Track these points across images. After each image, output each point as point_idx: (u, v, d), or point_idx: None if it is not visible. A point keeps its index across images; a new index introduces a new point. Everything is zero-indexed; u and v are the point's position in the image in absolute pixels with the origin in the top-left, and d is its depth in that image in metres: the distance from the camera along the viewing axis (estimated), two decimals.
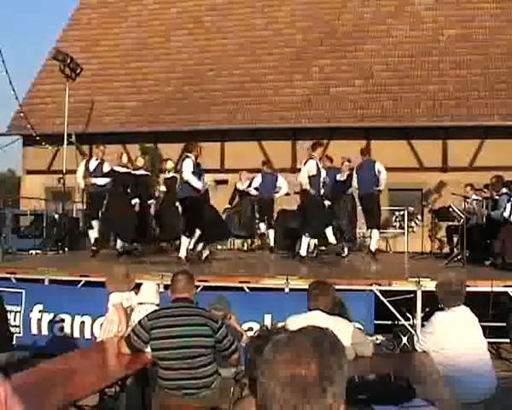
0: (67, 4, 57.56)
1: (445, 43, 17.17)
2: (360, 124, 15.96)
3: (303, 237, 9.46)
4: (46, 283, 8.21)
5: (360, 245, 13.03)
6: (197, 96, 17.47)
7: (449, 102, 15.77)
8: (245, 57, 18.31)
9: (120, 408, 4.23)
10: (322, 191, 9.43)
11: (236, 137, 16.56)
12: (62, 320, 7.54)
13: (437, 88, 16.07)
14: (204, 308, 4.46)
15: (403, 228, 14.24)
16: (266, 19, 19.34)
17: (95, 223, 10.82)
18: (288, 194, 11.76)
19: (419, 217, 14.98)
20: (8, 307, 6.65)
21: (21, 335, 7.61)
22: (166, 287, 6.53)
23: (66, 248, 12.20)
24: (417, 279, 7.25)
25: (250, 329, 6.67)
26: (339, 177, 11.02)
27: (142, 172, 11.29)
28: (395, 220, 14.94)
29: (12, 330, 6.73)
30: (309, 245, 9.82)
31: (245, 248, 13.79)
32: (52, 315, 7.58)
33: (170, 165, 12.06)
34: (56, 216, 13.38)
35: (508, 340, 7.51)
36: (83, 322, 7.48)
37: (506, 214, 8.93)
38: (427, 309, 6.86)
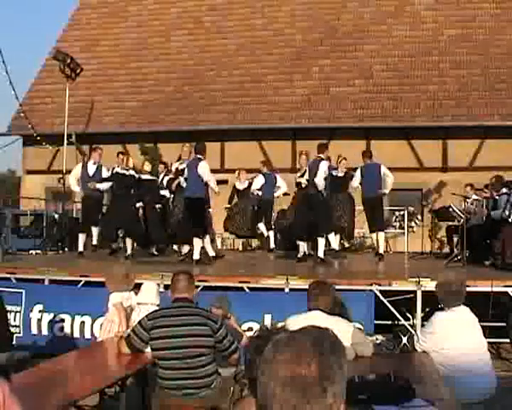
0: (67, 4, 57.66)
1: (445, 43, 17.17)
2: (360, 124, 15.96)
3: (319, 239, 9.45)
4: (46, 283, 8.21)
5: (360, 245, 13.05)
6: (197, 96, 17.47)
7: (449, 102, 15.77)
8: (245, 57, 18.31)
9: (120, 408, 4.23)
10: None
11: (236, 137, 16.56)
12: (62, 320, 7.54)
13: (437, 88, 16.07)
14: (204, 308, 4.46)
15: (403, 228, 14.24)
16: (266, 19, 19.34)
17: (94, 229, 10.84)
18: (287, 194, 11.76)
19: (419, 217, 14.98)
20: (8, 307, 6.64)
21: (21, 335, 7.61)
22: (166, 287, 6.54)
23: (66, 248, 12.21)
24: (417, 279, 7.25)
25: (250, 329, 6.68)
26: (335, 173, 11.02)
27: (148, 176, 11.25)
28: (395, 220, 14.94)
29: (12, 330, 6.72)
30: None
31: (243, 247, 13.80)
32: (52, 315, 7.58)
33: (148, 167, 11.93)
34: (56, 216, 13.39)
35: (508, 340, 7.51)
36: (83, 322, 7.48)
37: (505, 214, 8.93)
38: (427, 309, 6.86)
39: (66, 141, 14.11)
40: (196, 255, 9.27)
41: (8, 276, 8.34)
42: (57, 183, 13.39)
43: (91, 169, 10.77)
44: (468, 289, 4.69)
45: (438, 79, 16.30)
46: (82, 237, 11.01)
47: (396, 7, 18.47)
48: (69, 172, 11.54)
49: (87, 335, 7.43)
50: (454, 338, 4.11)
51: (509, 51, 16.49)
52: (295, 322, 3.81)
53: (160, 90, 17.91)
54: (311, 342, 1.31)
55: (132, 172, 10.92)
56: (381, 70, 16.94)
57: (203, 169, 9.12)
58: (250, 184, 12.14)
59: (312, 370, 1.26)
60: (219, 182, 15.89)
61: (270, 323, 6.66)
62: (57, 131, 15.42)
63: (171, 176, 10.98)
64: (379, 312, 7.17)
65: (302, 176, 9.81)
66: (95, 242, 11.06)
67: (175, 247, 11.27)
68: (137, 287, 5.65)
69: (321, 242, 9.45)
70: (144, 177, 11.10)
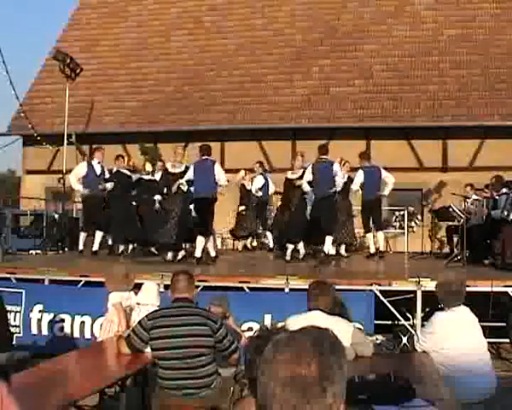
0: (67, 4, 57.63)
1: (445, 43, 17.16)
2: (360, 124, 15.96)
3: (327, 237, 9.53)
4: (46, 283, 8.21)
5: (360, 245, 13.03)
6: (197, 96, 17.46)
7: (449, 102, 15.76)
8: (245, 57, 18.31)
9: (120, 408, 4.23)
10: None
11: (236, 137, 16.56)
12: (62, 320, 7.54)
13: (437, 88, 16.06)
14: (204, 308, 4.46)
15: (403, 228, 14.23)
16: (266, 19, 19.33)
17: (98, 234, 10.80)
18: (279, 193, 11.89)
19: (419, 217, 14.97)
20: (8, 307, 6.64)
21: (21, 335, 7.61)
22: (166, 287, 6.53)
23: (66, 248, 12.20)
24: (417, 279, 7.25)
25: (250, 329, 6.68)
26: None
27: (149, 176, 11.28)
28: (395, 220, 14.94)
29: (12, 330, 6.72)
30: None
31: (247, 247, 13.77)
32: (52, 315, 7.58)
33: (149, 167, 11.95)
34: (56, 216, 13.38)
35: (508, 340, 7.52)
36: (83, 322, 7.48)
37: (505, 214, 8.93)
38: (427, 309, 6.86)
39: (66, 141, 14.10)
40: (198, 253, 9.29)
41: (8, 276, 8.34)
42: (57, 183, 13.38)
43: (97, 169, 10.80)
44: (468, 289, 4.69)
45: (438, 79, 16.30)
46: (83, 236, 11.01)
47: (396, 7, 18.47)
48: (69, 172, 11.51)
49: (87, 335, 7.43)
50: (454, 338, 4.11)
51: (509, 51, 16.49)
52: (295, 322, 3.81)
53: (159, 90, 17.91)
54: (311, 342, 1.31)
55: (131, 174, 10.96)
56: (381, 70, 16.93)
57: (220, 172, 9.39)
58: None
59: (312, 370, 1.26)
60: None
61: (270, 323, 6.66)
62: (57, 131, 15.42)
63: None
64: (379, 312, 7.17)
65: (300, 177, 9.85)
66: (96, 247, 10.90)
67: (152, 249, 11.12)
68: (137, 287, 5.65)
69: (328, 239, 9.54)
70: (145, 177, 11.16)
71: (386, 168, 10.75)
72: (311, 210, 9.77)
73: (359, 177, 10.34)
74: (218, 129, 16.51)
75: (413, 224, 14.62)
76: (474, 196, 10.67)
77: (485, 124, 15.13)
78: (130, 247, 11.29)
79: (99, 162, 10.89)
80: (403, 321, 7.42)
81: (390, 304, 7.29)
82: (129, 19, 20.70)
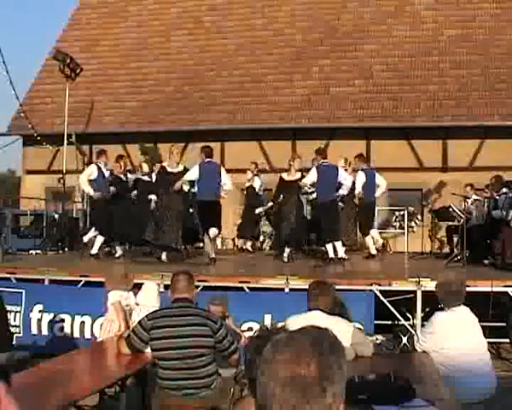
0: (67, 4, 57.61)
1: (445, 43, 17.16)
2: (360, 124, 15.95)
3: (336, 243, 9.57)
4: (46, 283, 8.21)
5: (360, 245, 13.03)
6: (197, 96, 17.46)
7: (449, 102, 15.76)
8: (245, 57, 18.30)
9: (120, 408, 4.23)
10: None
11: (236, 137, 16.56)
12: (62, 320, 7.54)
13: (437, 88, 16.06)
14: (204, 309, 4.46)
15: (403, 228, 14.23)
16: (266, 19, 19.33)
17: (99, 238, 10.73)
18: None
19: (419, 217, 14.97)
20: (8, 307, 6.64)
21: (21, 335, 7.62)
22: (166, 287, 6.53)
23: (66, 248, 12.20)
24: (417, 279, 7.25)
25: (250, 329, 6.68)
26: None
27: (145, 177, 11.31)
28: (395, 220, 14.94)
29: (12, 330, 6.73)
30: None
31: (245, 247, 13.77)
32: (52, 315, 7.58)
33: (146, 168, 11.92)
34: (56, 216, 13.38)
35: (508, 340, 7.52)
36: (83, 322, 7.48)
37: (504, 214, 8.93)
38: (427, 309, 6.86)
39: (66, 141, 14.11)
40: (212, 254, 9.39)
41: (8, 276, 8.34)
42: (57, 183, 13.38)
43: (106, 172, 10.78)
44: (468, 289, 4.69)
45: (438, 79, 16.30)
46: (92, 231, 10.78)
47: (396, 7, 18.46)
48: (69, 172, 11.53)
49: (87, 335, 7.43)
50: (454, 338, 4.11)
51: (509, 51, 16.49)
52: (295, 322, 3.80)
53: (159, 90, 17.91)
54: (311, 342, 1.31)
55: (130, 175, 10.99)
56: (381, 70, 16.93)
57: (227, 176, 9.41)
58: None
59: (312, 370, 1.26)
60: None
61: (270, 323, 6.66)
62: (57, 131, 15.42)
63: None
64: (379, 312, 7.17)
65: (299, 179, 9.88)
66: (95, 251, 10.57)
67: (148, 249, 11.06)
68: (137, 287, 5.65)
69: (337, 244, 9.58)
70: (142, 178, 11.18)
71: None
72: (315, 212, 9.80)
73: (361, 179, 10.33)
74: (218, 129, 16.51)
75: (413, 224, 14.62)
76: (474, 196, 10.67)
77: (485, 124, 15.12)
78: (127, 247, 11.27)
79: (106, 165, 10.87)
80: (403, 321, 7.42)
81: (390, 304, 7.29)
82: (129, 19, 20.70)
